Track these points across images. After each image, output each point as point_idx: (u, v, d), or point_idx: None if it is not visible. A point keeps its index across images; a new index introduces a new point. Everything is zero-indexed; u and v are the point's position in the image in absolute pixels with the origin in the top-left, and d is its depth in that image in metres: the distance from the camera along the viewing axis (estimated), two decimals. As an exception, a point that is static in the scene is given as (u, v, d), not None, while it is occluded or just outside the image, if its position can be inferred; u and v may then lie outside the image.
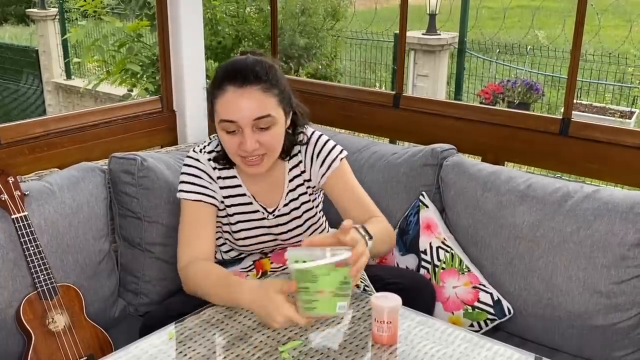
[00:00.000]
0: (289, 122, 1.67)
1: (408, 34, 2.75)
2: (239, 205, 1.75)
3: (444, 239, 1.99)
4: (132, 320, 1.96)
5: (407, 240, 2.03)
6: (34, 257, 1.67)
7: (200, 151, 1.73)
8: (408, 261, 2.01)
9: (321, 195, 1.88)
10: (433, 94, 6.78)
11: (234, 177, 1.74)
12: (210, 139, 1.77)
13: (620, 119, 6.36)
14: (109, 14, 5.81)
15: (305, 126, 1.76)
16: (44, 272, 1.68)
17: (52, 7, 8.98)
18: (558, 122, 2.12)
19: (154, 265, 1.99)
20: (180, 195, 1.71)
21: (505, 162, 2.27)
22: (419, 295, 1.72)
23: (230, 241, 1.82)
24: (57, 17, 8.64)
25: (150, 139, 2.35)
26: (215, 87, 1.59)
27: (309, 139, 1.77)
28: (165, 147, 2.33)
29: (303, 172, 1.78)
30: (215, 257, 1.89)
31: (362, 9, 8.81)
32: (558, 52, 7.00)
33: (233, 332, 1.40)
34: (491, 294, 1.89)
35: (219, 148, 1.72)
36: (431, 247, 1.98)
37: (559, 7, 9.85)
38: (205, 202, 1.70)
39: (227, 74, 1.57)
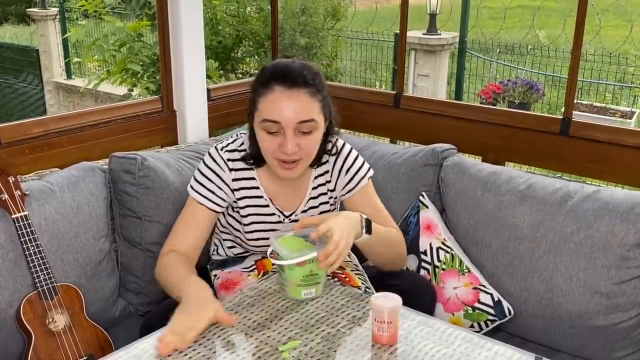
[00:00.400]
0: (325, 129, 1.67)
1: (408, 33, 2.75)
2: (255, 207, 1.75)
3: (444, 239, 1.99)
4: (133, 320, 1.96)
5: (407, 240, 2.02)
6: (34, 257, 1.67)
7: (222, 149, 1.72)
8: (408, 262, 2.01)
9: (338, 205, 1.88)
10: (433, 93, 6.78)
11: (253, 178, 1.73)
12: (236, 136, 1.76)
13: (621, 119, 6.36)
14: (110, 14, 5.80)
15: (336, 136, 1.75)
16: (44, 272, 1.68)
17: (53, 6, 8.99)
18: (558, 122, 2.12)
19: (154, 265, 1.98)
20: (189, 189, 1.73)
21: (506, 162, 2.27)
22: (420, 297, 1.72)
23: (240, 239, 1.82)
24: (58, 16, 8.65)
25: (151, 139, 2.35)
26: (261, 85, 1.58)
27: (339, 151, 1.76)
28: (166, 146, 2.32)
29: (328, 181, 1.79)
30: (218, 254, 1.89)
31: (363, 8, 8.81)
32: (558, 52, 7.01)
33: (233, 332, 1.40)
34: (491, 295, 1.89)
35: (243, 147, 1.71)
36: (431, 248, 1.98)
37: (559, 7, 9.84)
38: (207, 207, 1.70)
39: (275, 74, 1.57)
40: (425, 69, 6.91)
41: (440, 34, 6.88)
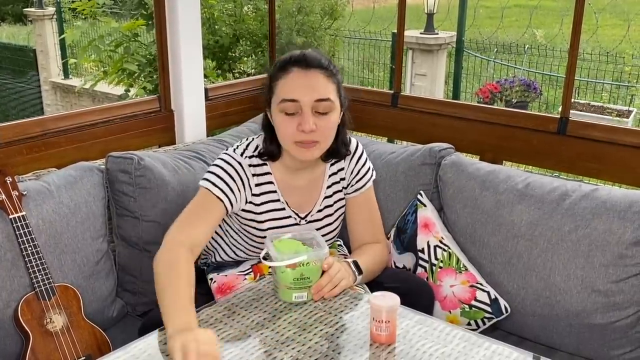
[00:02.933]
0: (340, 119, 1.69)
1: (406, 33, 2.76)
2: (272, 212, 1.75)
3: (442, 237, 1.99)
4: (130, 320, 1.96)
5: (405, 239, 2.03)
6: (31, 257, 1.67)
7: (242, 154, 1.70)
8: (405, 260, 2.01)
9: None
10: (431, 93, 6.78)
11: (271, 182, 1.73)
12: (247, 140, 1.75)
13: (618, 118, 6.37)
14: (105, 14, 5.79)
15: (351, 138, 1.81)
16: (42, 272, 1.68)
17: (50, 6, 8.96)
18: (556, 121, 2.12)
19: (152, 265, 1.98)
20: (204, 184, 1.66)
21: (504, 162, 2.27)
22: (418, 299, 1.72)
23: (252, 244, 1.80)
24: (55, 16, 8.63)
25: (148, 139, 2.35)
26: (279, 70, 1.62)
27: (355, 150, 1.82)
28: (163, 146, 2.32)
29: (342, 179, 1.82)
30: (216, 259, 1.88)
31: (360, 8, 8.82)
32: (556, 51, 7.02)
33: (231, 332, 1.40)
34: (488, 293, 1.89)
35: (260, 150, 1.72)
36: (429, 246, 1.98)
37: (556, 6, 9.87)
38: (224, 204, 1.66)
39: (292, 58, 1.63)
40: (423, 69, 6.92)
41: (437, 34, 6.88)
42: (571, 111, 2.13)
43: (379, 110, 2.52)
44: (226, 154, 1.71)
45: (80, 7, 5.46)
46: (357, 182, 1.81)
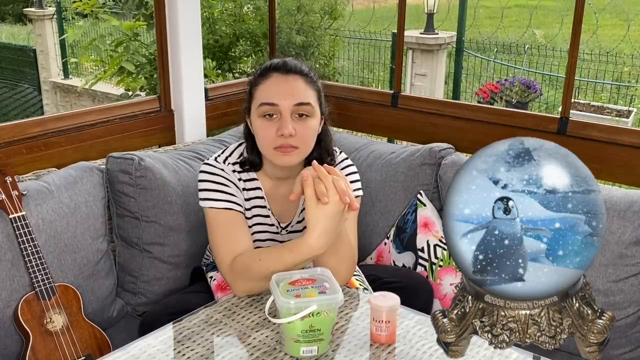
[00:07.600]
0: (320, 128, 1.66)
1: (406, 33, 2.76)
2: (258, 217, 1.73)
3: (442, 237, 1.99)
4: (130, 320, 1.96)
5: (405, 238, 2.03)
6: (31, 257, 1.67)
7: (224, 162, 1.67)
8: (405, 259, 2.01)
9: None
10: (431, 93, 6.79)
11: (259, 188, 1.71)
12: (226, 148, 1.73)
13: (618, 118, 6.37)
14: (107, 13, 5.79)
15: (335, 149, 1.75)
16: (42, 272, 1.68)
17: (50, 6, 8.97)
18: (556, 121, 2.12)
19: (152, 265, 1.99)
20: (205, 204, 1.61)
21: (504, 161, 2.26)
22: (417, 294, 1.72)
23: None
24: (55, 16, 8.63)
25: (148, 139, 2.35)
26: (258, 75, 1.62)
27: (341, 161, 1.73)
28: (163, 146, 2.32)
29: None
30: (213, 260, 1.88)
31: (360, 7, 8.82)
32: (556, 51, 7.02)
33: (231, 332, 1.40)
34: (489, 293, 1.89)
35: (242, 159, 1.69)
36: (428, 245, 1.98)
37: (556, 6, 9.88)
38: (234, 210, 1.62)
39: (272, 64, 1.63)
40: (423, 69, 6.92)
41: (437, 34, 6.89)
42: (571, 111, 2.13)
43: (379, 110, 2.52)
44: (206, 164, 1.67)
45: (82, 7, 5.46)
46: None
